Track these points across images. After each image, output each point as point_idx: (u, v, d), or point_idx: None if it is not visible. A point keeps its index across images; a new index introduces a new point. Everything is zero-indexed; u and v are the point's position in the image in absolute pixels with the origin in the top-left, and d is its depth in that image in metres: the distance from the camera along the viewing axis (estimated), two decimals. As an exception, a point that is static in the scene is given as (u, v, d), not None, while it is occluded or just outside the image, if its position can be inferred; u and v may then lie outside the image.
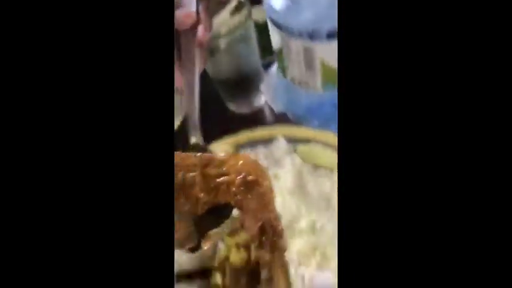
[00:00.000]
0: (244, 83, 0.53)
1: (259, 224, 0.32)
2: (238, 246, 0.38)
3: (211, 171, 0.32)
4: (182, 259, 0.39)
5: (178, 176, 0.31)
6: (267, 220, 0.33)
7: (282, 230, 0.33)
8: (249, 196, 0.33)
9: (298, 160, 0.44)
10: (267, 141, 0.47)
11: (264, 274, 0.35)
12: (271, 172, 0.41)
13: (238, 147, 0.48)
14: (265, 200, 0.33)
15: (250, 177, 0.32)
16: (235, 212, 0.33)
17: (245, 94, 0.54)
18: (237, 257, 0.37)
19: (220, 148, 0.47)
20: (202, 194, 0.32)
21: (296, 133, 0.47)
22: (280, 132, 0.48)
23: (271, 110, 0.53)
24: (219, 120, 0.55)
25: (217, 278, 0.36)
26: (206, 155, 0.33)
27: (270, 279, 0.35)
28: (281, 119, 0.52)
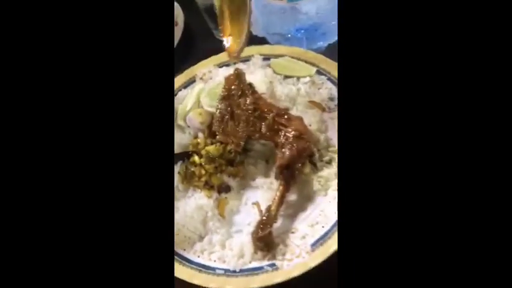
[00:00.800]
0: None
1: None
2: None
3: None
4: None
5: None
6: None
7: None
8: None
9: (270, 71, 0.51)
10: (245, 59, 0.54)
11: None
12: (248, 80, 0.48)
13: (220, 65, 0.55)
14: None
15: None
16: None
17: (230, 22, 0.61)
18: (213, 148, 0.45)
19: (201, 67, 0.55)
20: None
21: (271, 50, 0.54)
22: (256, 51, 0.55)
23: (252, 34, 0.60)
24: (205, 45, 0.62)
25: (195, 158, 0.45)
26: None
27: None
28: (260, 42, 0.59)
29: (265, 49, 0.54)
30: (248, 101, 0.44)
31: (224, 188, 0.44)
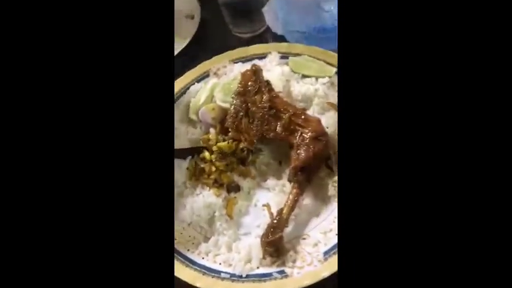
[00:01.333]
0: (248, 7, 0.57)
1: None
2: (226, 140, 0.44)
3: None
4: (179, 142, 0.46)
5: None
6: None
7: None
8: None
9: (287, 70, 0.49)
10: (261, 56, 0.53)
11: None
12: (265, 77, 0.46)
13: (234, 60, 0.54)
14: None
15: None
16: None
17: (248, 18, 0.59)
18: (225, 145, 0.43)
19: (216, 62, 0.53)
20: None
21: (289, 49, 0.53)
22: (274, 48, 0.53)
23: (271, 32, 0.58)
24: (221, 40, 0.61)
25: (206, 154, 0.43)
26: None
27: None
28: (280, 40, 0.57)
29: (283, 47, 0.52)
30: (264, 99, 0.43)
31: (234, 187, 0.42)
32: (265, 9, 0.58)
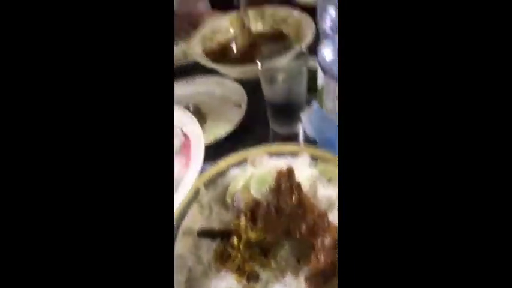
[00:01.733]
0: (289, 110, 0.67)
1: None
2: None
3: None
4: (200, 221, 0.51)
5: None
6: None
7: None
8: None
9: (316, 172, 0.56)
10: (294, 154, 0.60)
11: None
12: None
13: (270, 154, 0.61)
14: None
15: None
16: None
17: (287, 119, 0.68)
18: (254, 235, 0.48)
19: (255, 153, 0.61)
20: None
21: (319, 154, 0.60)
22: (307, 150, 0.61)
23: (305, 134, 0.67)
24: (262, 131, 0.70)
25: (235, 240, 0.48)
26: None
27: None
28: (311, 142, 0.65)
29: (314, 151, 0.60)
30: (294, 198, 0.48)
31: (254, 277, 0.45)
32: (303, 113, 0.68)
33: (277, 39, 0.92)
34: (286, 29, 0.94)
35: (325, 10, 0.43)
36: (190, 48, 0.88)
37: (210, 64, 0.82)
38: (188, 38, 0.99)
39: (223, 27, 0.96)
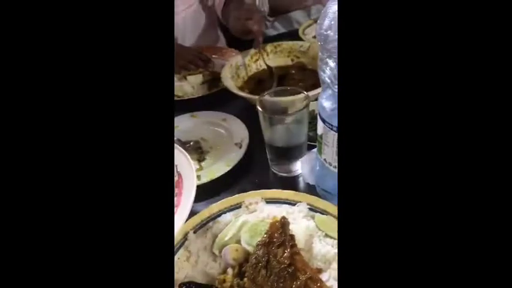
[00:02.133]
0: (289, 153, 0.65)
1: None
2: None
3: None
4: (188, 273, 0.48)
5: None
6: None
7: None
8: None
9: (313, 225, 0.53)
10: (292, 202, 0.57)
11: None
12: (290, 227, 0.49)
13: (267, 199, 0.58)
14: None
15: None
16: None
17: (287, 161, 0.66)
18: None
19: (250, 197, 0.58)
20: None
21: (318, 204, 0.57)
22: (305, 198, 0.58)
23: (304, 180, 0.64)
24: (260, 171, 0.67)
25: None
26: None
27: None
28: (310, 189, 0.62)
29: (313, 200, 0.57)
30: (285, 254, 0.45)
31: None
32: (302, 159, 0.66)
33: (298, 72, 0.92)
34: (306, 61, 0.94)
35: (325, 61, 0.43)
36: (222, 80, 0.87)
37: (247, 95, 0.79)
38: (197, 72, 1.01)
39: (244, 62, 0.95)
